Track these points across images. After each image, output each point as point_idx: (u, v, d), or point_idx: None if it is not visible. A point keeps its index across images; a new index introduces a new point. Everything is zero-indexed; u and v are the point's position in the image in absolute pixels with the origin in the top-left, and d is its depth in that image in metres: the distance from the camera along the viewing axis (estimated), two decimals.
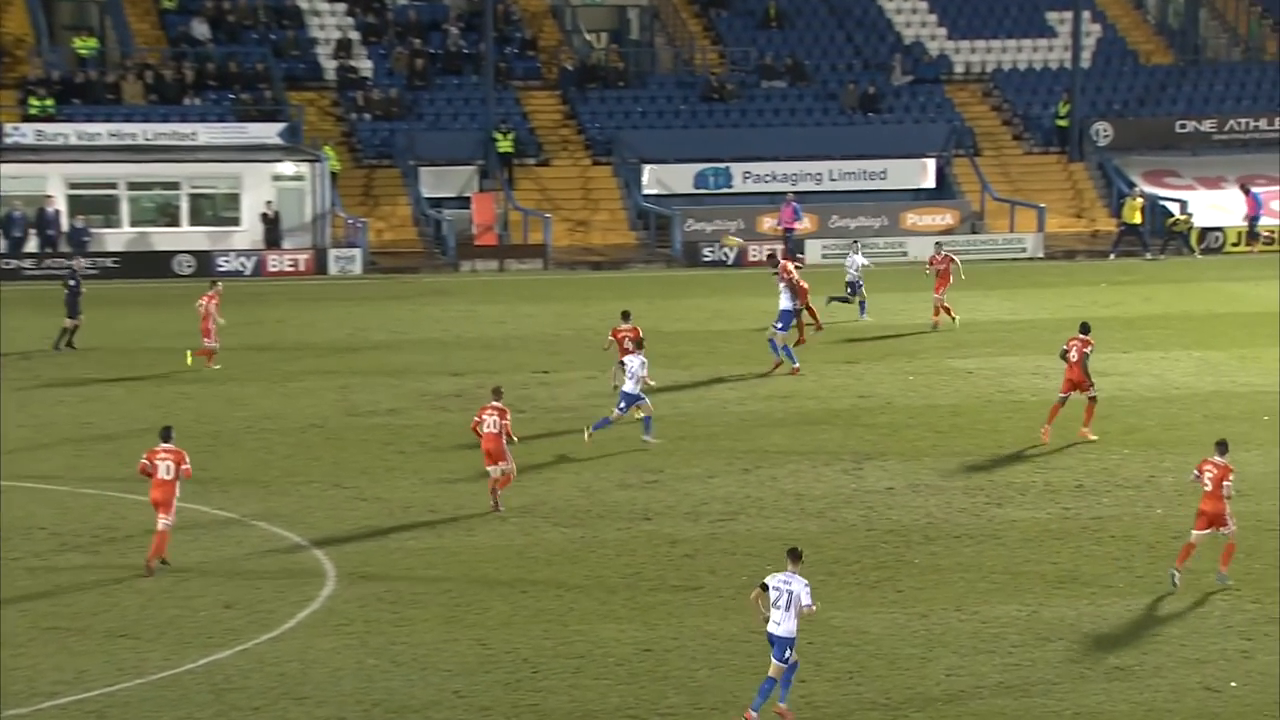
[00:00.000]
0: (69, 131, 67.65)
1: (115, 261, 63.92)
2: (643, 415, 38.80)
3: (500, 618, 28.23)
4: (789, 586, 23.75)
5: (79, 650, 26.82)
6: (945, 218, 71.72)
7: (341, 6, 77.53)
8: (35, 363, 48.20)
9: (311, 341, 52.10)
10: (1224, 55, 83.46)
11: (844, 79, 77.46)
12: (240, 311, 48.18)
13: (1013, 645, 27.03)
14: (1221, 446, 29.54)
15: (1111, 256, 68.64)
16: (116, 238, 66.00)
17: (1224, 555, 29.58)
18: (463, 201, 70.16)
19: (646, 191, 71.95)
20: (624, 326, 41.31)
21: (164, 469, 30.22)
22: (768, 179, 72.70)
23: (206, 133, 68.48)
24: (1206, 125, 76.47)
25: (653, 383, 39.08)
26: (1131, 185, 72.15)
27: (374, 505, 34.59)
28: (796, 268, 48.43)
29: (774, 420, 41.59)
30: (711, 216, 69.99)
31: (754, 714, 23.84)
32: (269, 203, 66.63)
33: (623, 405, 38.55)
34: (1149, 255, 68.49)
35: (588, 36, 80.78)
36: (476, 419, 33.88)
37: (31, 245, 65.03)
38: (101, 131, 67.75)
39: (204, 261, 64.39)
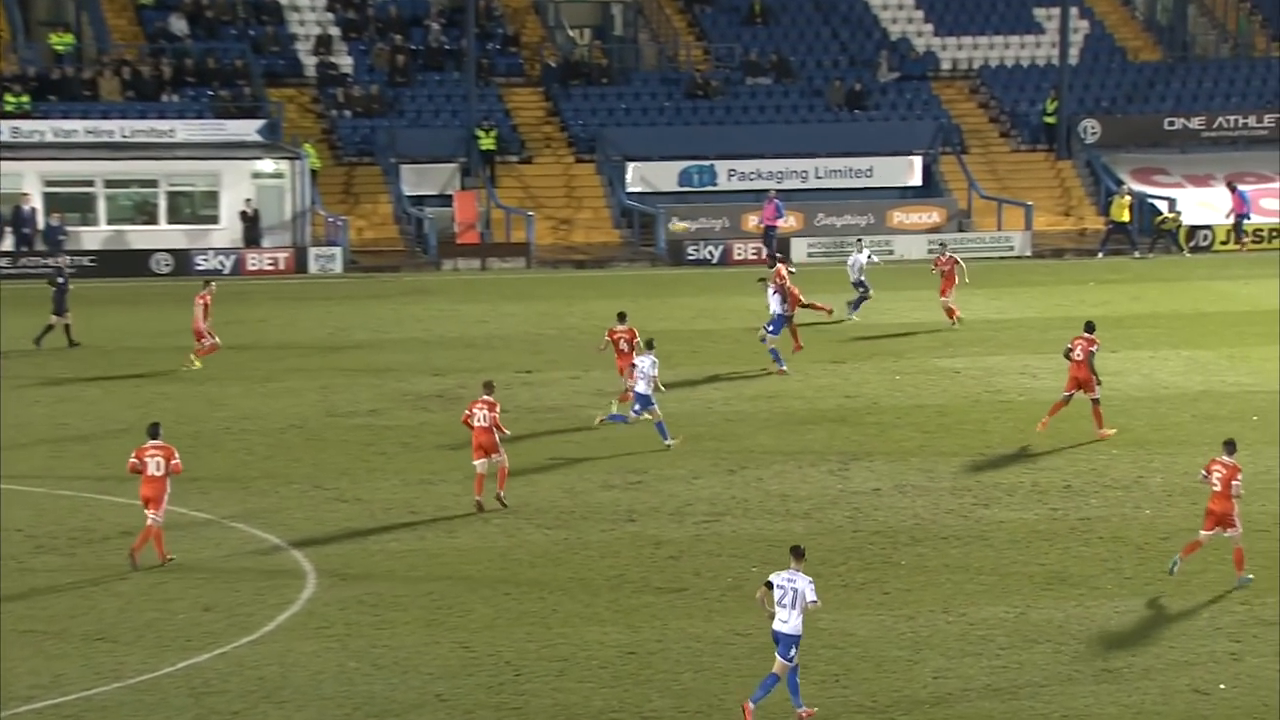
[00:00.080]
0: (45, 128, 67.19)
1: (92, 260, 63.46)
2: (654, 421, 38.65)
3: (483, 620, 28.05)
4: (793, 584, 23.93)
5: (55, 653, 26.58)
6: (932, 216, 71.46)
7: (321, 2, 77.12)
8: (11, 362, 47.81)
9: (291, 341, 51.79)
10: (1213, 52, 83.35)
11: (830, 76, 77.19)
12: (220, 311, 47.87)
13: (1000, 647, 26.89)
14: (1229, 446, 29.40)
15: (1100, 255, 68.40)
16: (93, 236, 65.56)
17: (1236, 560, 29.44)
18: (444, 199, 69.84)
19: (630, 189, 71.68)
20: (620, 328, 41.53)
21: (154, 465, 30.19)
22: (753, 177, 72.39)
23: (185, 130, 68.07)
24: (1195, 122, 76.30)
25: (663, 388, 39.21)
26: (1120, 183, 71.91)
27: (355, 506, 34.39)
28: (790, 273, 48.10)
29: (760, 420, 41.37)
30: (696, 215, 69.72)
31: (752, 706, 23.83)
32: (248, 201, 66.23)
33: (637, 408, 38.63)
34: (1137, 254, 68.27)
35: (571, 32, 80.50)
36: (467, 412, 33.89)
37: (7, 244, 64.58)
38: (78, 128, 67.33)
39: (182, 260, 64.00)
